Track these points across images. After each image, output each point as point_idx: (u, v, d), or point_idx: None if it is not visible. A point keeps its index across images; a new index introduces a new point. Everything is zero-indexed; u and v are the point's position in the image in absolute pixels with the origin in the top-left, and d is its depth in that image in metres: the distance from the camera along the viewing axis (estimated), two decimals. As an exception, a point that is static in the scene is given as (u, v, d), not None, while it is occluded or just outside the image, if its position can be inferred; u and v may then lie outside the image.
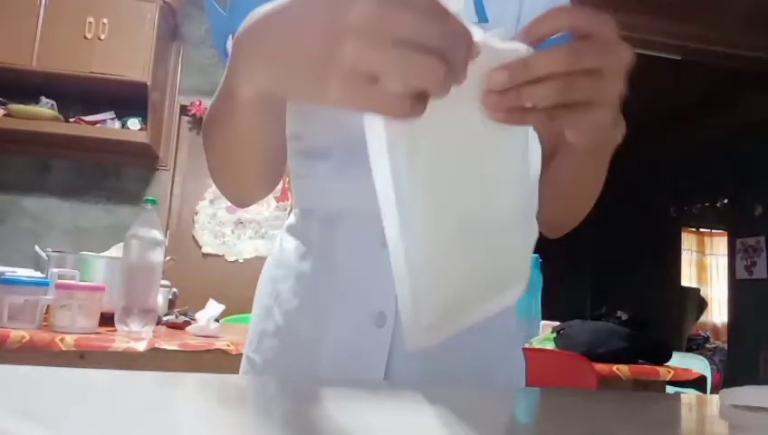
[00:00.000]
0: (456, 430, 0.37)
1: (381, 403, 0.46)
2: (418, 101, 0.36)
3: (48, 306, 1.36)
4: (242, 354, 0.77)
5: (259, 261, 3.45)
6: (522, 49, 0.39)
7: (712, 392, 3.81)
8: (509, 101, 0.40)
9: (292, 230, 0.76)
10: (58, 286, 1.35)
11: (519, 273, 0.43)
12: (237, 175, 0.65)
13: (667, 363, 1.70)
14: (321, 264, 0.70)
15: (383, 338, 0.66)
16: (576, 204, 0.68)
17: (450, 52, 0.35)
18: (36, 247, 1.88)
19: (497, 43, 0.38)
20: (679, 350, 4.93)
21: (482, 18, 0.68)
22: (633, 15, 3.05)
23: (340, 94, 0.35)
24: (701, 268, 7.07)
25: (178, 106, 3.47)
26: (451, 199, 0.40)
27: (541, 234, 0.51)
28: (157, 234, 1.40)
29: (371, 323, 0.67)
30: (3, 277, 1.38)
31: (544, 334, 1.85)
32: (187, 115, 3.49)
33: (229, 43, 0.73)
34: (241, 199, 0.72)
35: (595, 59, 0.41)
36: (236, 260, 3.47)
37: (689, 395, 0.73)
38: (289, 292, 0.71)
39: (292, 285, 0.72)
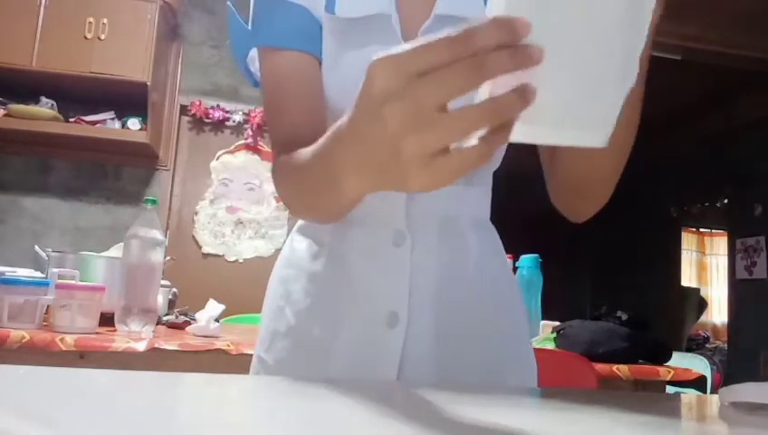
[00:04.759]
0: (454, 429, 0.37)
1: (390, 404, 0.46)
2: (496, 132, 0.36)
3: (48, 306, 1.36)
4: (242, 354, 0.77)
5: (259, 261, 3.47)
6: None
7: (712, 392, 3.81)
8: None
9: (303, 230, 0.76)
10: (58, 286, 1.35)
11: (605, 118, 0.39)
12: (313, 213, 0.66)
13: (667, 363, 1.70)
14: (334, 264, 0.70)
15: (396, 339, 0.66)
16: (622, 151, 0.58)
17: (491, 72, 0.35)
18: (36, 247, 1.88)
19: None
20: (679, 350, 4.93)
21: None
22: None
23: (431, 180, 0.38)
24: (701, 268, 7.08)
25: (178, 106, 3.47)
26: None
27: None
28: (157, 234, 1.40)
29: (384, 324, 0.66)
30: (3, 277, 1.38)
31: (544, 334, 1.85)
32: (187, 115, 3.49)
33: (251, 55, 0.73)
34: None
35: None
36: (236, 260, 3.47)
37: (689, 395, 0.73)
38: (300, 292, 0.71)
39: (303, 284, 0.71)
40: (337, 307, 0.69)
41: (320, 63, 0.70)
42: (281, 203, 3.55)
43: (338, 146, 0.47)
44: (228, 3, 0.78)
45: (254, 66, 0.74)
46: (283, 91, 0.68)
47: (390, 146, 0.38)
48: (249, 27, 0.72)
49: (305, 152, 0.56)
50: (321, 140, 0.51)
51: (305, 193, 0.60)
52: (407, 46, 0.36)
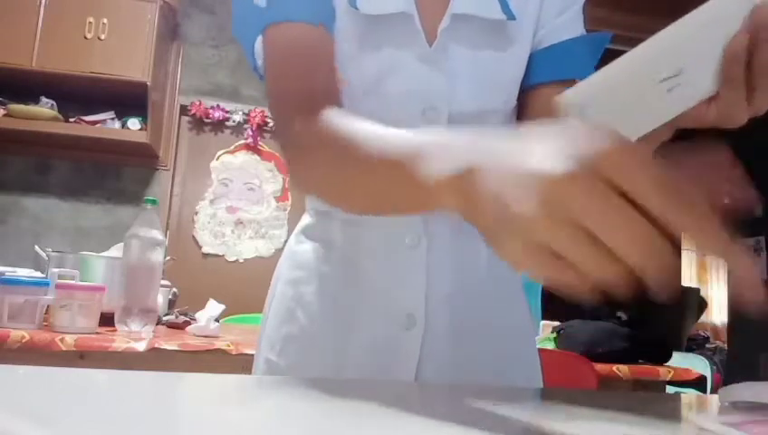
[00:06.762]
0: (451, 428, 0.37)
1: (398, 404, 0.46)
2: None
3: (48, 306, 1.36)
4: (242, 354, 0.77)
5: (259, 261, 3.47)
6: None
7: (712, 392, 3.81)
8: None
9: (308, 232, 0.74)
10: (58, 286, 1.35)
11: None
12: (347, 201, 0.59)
13: (667, 363, 1.70)
14: (345, 266, 0.69)
15: (413, 341, 0.66)
16: None
17: (639, 258, 0.32)
18: (36, 247, 1.88)
19: None
20: (679, 350, 4.92)
21: (509, 16, 0.68)
22: (633, 15, 3.05)
23: (520, 257, 0.34)
24: (701, 268, 7.08)
25: (178, 106, 3.47)
26: None
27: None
28: (157, 234, 1.40)
29: (401, 326, 0.66)
30: (3, 277, 1.38)
31: (544, 334, 1.86)
32: (187, 115, 3.49)
33: (259, 41, 0.68)
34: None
35: None
36: (236, 260, 3.47)
37: (689, 395, 0.73)
38: (313, 294, 0.70)
39: (315, 287, 0.70)
40: (352, 310, 0.68)
41: (332, 39, 0.67)
42: (281, 203, 3.55)
43: (448, 182, 0.40)
44: None
45: (260, 56, 0.71)
46: (300, 53, 0.64)
47: (522, 208, 0.33)
48: (262, 5, 0.66)
49: (374, 143, 0.49)
50: (408, 144, 0.45)
51: (359, 185, 0.53)
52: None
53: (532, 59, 0.72)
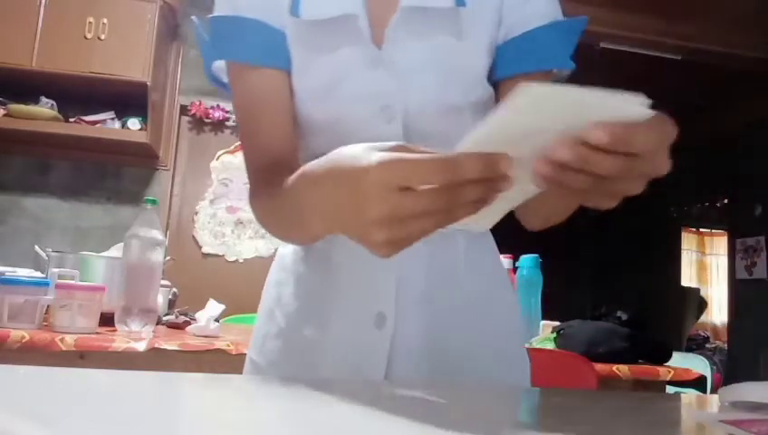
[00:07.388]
0: (454, 429, 0.37)
1: (378, 403, 0.46)
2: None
3: (48, 306, 1.36)
4: (242, 354, 0.78)
5: (259, 261, 3.47)
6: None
7: (712, 392, 3.81)
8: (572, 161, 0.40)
9: None
10: (58, 286, 1.35)
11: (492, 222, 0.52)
12: (288, 240, 0.72)
13: (667, 363, 1.70)
14: (321, 265, 0.70)
15: (383, 339, 0.66)
16: (558, 219, 0.67)
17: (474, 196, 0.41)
18: (36, 247, 1.88)
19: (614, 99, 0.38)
20: (679, 350, 4.93)
21: (458, 2, 0.68)
22: (633, 15, 3.05)
23: (386, 252, 0.46)
24: (701, 268, 7.08)
25: (178, 106, 3.47)
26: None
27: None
28: (157, 234, 1.40)
29: (371, 325, 0.66)
30: (3, 277, 1.38)
31: (544, 334, 1.85)
32: (187, 115, 3.49)
33: (215, 66, 0.74)
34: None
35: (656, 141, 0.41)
36: (236, 260, 3.47)
37: (689, 395, 0.73)
38: (290, 295, 0.72)
39: (293, 287, 0.72)
40: (325, 308, 0.69)
41: (288, 74, 0.69)
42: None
43: (310, 191, 0.53)
44: (192, 17, 0.78)
45: (224, 75, 0.74)
46: (256, 114, 0.69)
47: (363, 227, 0.44)
48: (209, 39, 0.71)
49: (279, 187, 0.60)
50: (294, 178, 0.56)
51: (279, 224, 0.65)
52: (406, 156, 0.42)
53: (501, 50, 0.71)
